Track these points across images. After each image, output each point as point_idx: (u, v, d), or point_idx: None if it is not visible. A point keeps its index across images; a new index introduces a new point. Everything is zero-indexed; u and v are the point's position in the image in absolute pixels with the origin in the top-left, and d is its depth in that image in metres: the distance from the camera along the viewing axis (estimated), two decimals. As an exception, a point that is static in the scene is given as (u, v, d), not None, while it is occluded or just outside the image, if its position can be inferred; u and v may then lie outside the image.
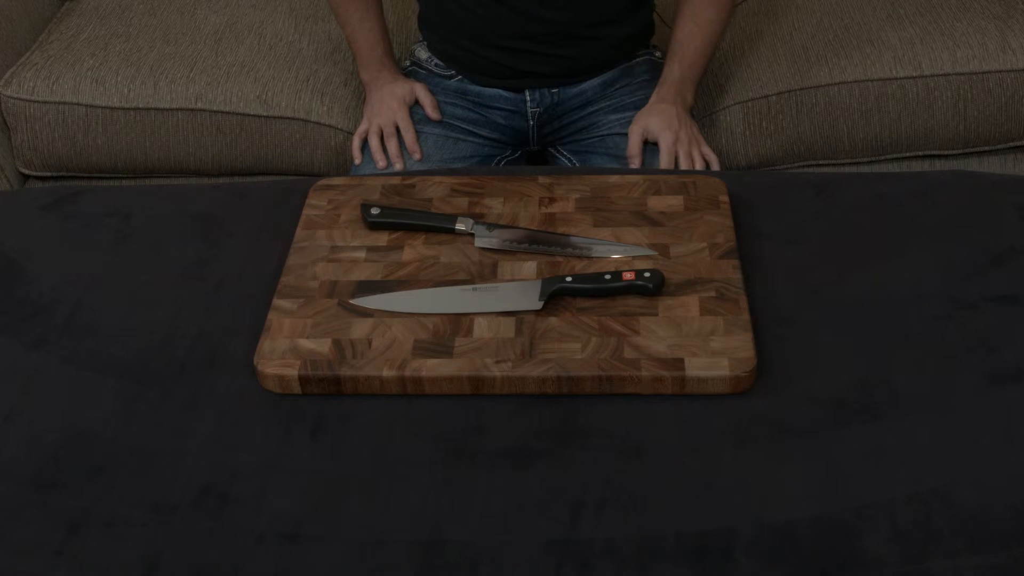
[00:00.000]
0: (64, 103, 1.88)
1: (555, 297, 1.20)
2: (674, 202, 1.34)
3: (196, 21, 2.02)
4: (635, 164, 1.62)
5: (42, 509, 1.04)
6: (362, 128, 1.74)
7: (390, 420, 1.11)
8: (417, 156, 1.68)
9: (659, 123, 1.60)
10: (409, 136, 1.69)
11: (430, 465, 1.06)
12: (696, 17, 1.66)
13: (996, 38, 1.89)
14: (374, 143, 1.70)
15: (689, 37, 1.66)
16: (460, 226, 1.30)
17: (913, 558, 0.96)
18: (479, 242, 1.28)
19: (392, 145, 1.70)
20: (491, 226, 1.30)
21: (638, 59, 1.76)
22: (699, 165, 1.59)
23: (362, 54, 1.77)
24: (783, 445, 1.06)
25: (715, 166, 1.61)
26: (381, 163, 1.68)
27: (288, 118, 1.88)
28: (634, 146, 1.61)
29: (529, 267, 1.25)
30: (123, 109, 1.88)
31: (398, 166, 1.68)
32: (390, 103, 1.71)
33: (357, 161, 1.73)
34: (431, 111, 1.70)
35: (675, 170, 1.56)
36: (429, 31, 1.77)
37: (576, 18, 1.64)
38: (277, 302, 1.22)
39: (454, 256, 1.28)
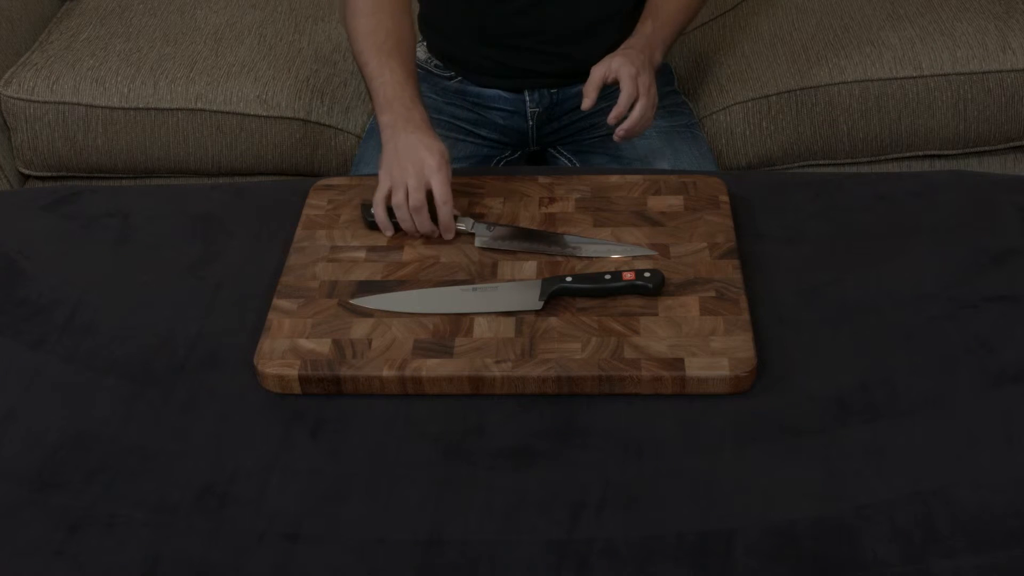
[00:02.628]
0: (64, 103, 1.88)
1: (555, 297, 1.20)
2: (674, 202, 1.34)
3: (196, 21, 2.02)
4: (588, 99, 1.45)
5: (42, 509, 1.04)
6: (383, 190, 1.31)
7: (390, 420, 1.11)
8: (449, 236, 1.30)
9: (622, 61, 1.50)
10: (445, 210, 1.29)
11: (430, 465, 1.06)
12: None
13: (996, 38, 1.89)
14: (394, 215, 1.31)
15: (663, 1, 1.62)
16: (460, 226, 1.30)
17: (913, 558, 0.96)
18: (479, 242, 1.28)
19: (423, 219, 1.29)
20: (491, 225, 1.30)
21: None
22: (636, 112, 1.46)
23: (390, 90, 1.41)
24: (783, 445, 1.06)
25: (644, 120, 1.50)
26: (389, 232, 1.32)
27: (288, 118, 1.88)
28: (591, 82, 1.47)
29: (529, 267, 1.25)
30: (123, 109, 1.88)
31: (448, 236, 1.30)
32: (426, 156, 1.31)
33: (388, 233, 1.32)
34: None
35: (675, 170, 1.56)
36: (429, 31, 1.77)
37: (577, 16, 1.64)
38: (277, 302, 1.22)
39: (454, 256, 1.28)
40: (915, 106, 1.88)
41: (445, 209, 1.28)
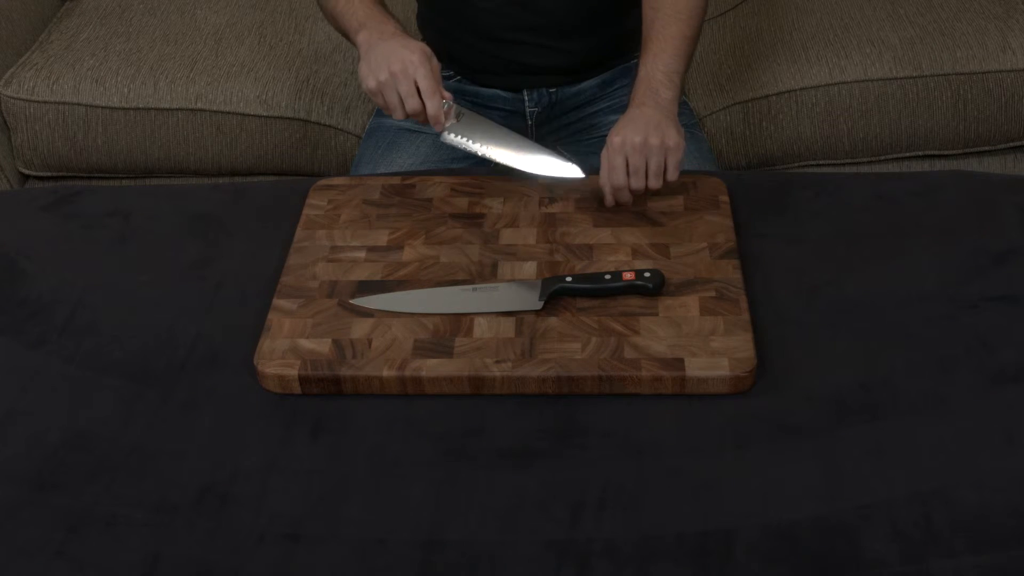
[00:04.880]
0: (64, 103, 1.89)
1: (555, 297, 1.20)
2: (674, 202, 1.34)
3: (196, 21, 2.02)
4: (608, 198, 1.35)
5: (42, 509, 1.04)
6: (370, 84, 1.35)
7: (390, 420, 1.11)
8: (439, 128, 1.37)
9: (630, 133, 1.36)
10: (434, 102, 1.34)
11: (430, 465, 1.06)
12: (661, 8, 1.51)
13: (996, 38, 1.89)
14: (392, 97, 1.35)
15: (649, 28, 1.50)
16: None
17: (913, 558, 0.96)
18: (445, 138, 1.35)
19: (413, 103, 1.35)
20: (460, 112, 1.35)
21: (637, 59, 1.76)
22: (652, 179, 1.34)
23: (361, 14, 1.45)
24: (783, 445, 1.06)
25: (671, 176, 1.37)
26: (399, 115, 1.37)
27: (288, 118, 1.88)
28: (603, 174, 1.35)
29: (529, 267, 1.26)
30: (123, 109, 1.88)
31: (438, 128, 1.37)
32: (407, 55, 1.34)
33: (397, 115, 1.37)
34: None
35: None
36: (428, 29, 1.76)
37: (576, 10, 1.64)
38: (277, 302, 1.22)
39: (454, 256, 1.28)
40: (915, 106, 1.88)
41: (431, 103, 1.34)
